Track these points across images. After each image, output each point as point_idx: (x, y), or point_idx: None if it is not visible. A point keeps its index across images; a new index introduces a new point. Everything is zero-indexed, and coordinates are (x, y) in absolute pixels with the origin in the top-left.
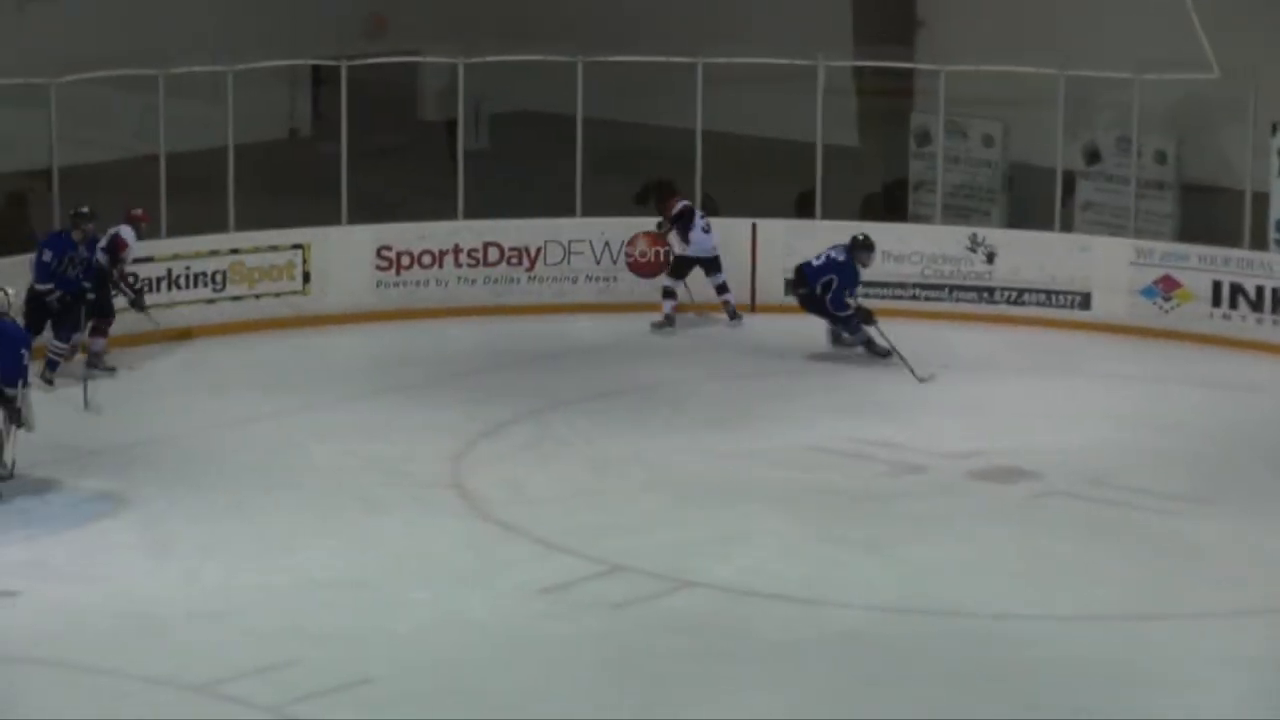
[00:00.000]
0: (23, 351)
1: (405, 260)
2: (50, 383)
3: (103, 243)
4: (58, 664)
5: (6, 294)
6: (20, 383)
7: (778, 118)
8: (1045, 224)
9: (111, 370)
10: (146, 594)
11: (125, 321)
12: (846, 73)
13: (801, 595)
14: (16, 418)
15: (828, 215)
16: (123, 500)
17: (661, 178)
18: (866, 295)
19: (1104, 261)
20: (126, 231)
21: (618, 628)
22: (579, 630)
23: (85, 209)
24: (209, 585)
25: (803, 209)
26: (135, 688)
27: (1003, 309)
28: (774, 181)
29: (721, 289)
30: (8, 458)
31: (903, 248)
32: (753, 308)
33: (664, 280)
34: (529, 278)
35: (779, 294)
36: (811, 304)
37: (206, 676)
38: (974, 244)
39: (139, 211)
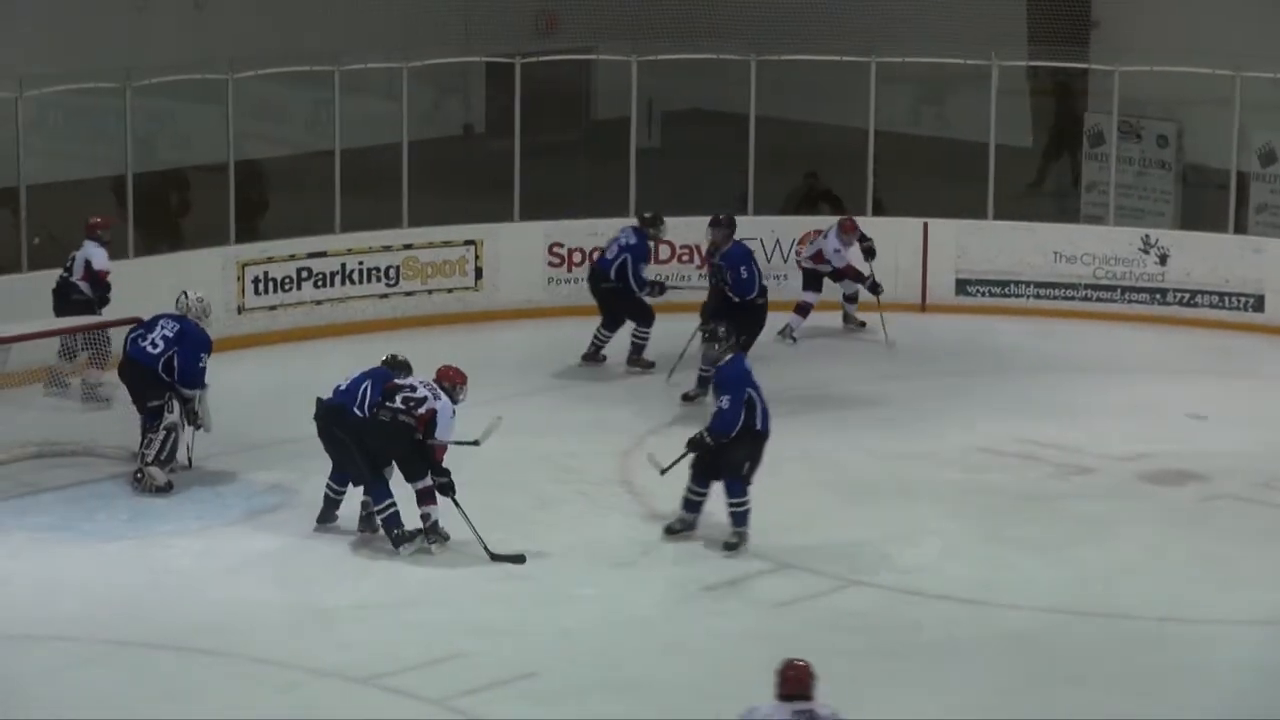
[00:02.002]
0: (202, 355)
1: (577, 257)
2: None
3: (79, 273)
4: (226, 654)
5: (189, 296)
6: (199, 386)
7: (950, 117)
8: (1219, 226)
9: (108, 400)
10: (316, 586)
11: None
12: (1020, 73)
13: (968, 595)
14: (194, 419)
15: (1000, 215)
16: (293, 492)
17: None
18: (1038, 296)
19: (1278, 263)
20: (99, 255)
21: (783, 626)
22: (744, 628)
23: (650, 213)
24: (377, 578)
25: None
26: (302, 678)
27: (1175, 310)
28: (945, 181)
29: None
30: (182, 454)
31: (1074, 249)
32: (923, 307)
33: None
34: (700, 275)
35: (949, 294)
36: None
37: (373, 669)
38: (1146, 245)
39: (99, 219)
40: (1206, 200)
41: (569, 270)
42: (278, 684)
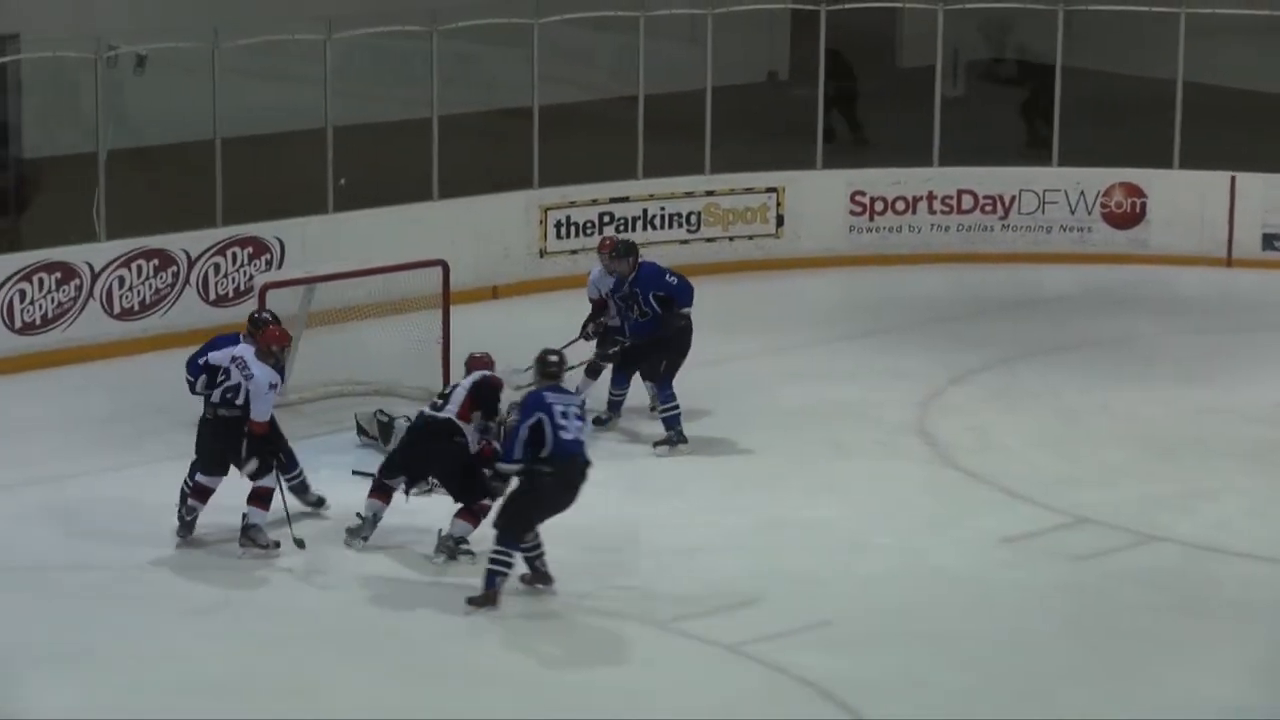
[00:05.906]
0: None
1: (879, 206)
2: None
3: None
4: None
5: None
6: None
7: (1260, 70)
8: None
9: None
10: (612, 531)
11: None
12: None
13: (1269, 554)
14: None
15: None
16: (594, 436)
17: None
18: None
19: None
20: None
21: (1080, 580)
22: (1043, 581)
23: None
24: (673, 524)
25: None
26: (596, 621)
27: None
28: (1254, 135)
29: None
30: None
31: None
32: (1229, 262)
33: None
34: (1002, 226)
35: (1256, 249)
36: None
37: (669, 613)
38: None
39: (276, 328)
40: None
41: (870, 219)
42: (570, 627)
